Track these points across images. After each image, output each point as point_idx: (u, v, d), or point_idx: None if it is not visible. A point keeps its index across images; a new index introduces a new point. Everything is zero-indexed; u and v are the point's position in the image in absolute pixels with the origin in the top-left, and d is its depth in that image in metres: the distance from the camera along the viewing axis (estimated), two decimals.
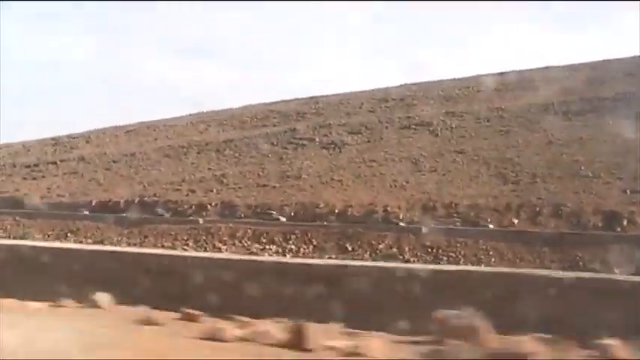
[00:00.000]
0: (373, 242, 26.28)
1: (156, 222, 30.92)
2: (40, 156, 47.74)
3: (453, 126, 38.20)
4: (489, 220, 27.17)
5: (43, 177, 42.13)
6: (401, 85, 49.33)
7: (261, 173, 35.02)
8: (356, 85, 73.20)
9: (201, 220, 29.94)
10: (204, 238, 28.41)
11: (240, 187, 33.59)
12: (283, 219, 29.31)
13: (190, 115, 51.96)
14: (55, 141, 51.12)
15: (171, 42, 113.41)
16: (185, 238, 28.71)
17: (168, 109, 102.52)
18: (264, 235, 27.68)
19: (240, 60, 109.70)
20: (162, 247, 28.41)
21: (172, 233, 29.33)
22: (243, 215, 30.55)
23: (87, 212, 33.53)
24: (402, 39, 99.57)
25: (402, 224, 27.79)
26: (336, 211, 29.48)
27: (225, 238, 27.94)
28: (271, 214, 29.71)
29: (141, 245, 28.93)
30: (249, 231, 28.13)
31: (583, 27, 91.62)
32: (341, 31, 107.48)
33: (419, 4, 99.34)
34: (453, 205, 28.55)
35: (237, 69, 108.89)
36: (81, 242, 30.63)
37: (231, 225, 28.96)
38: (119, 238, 30.09)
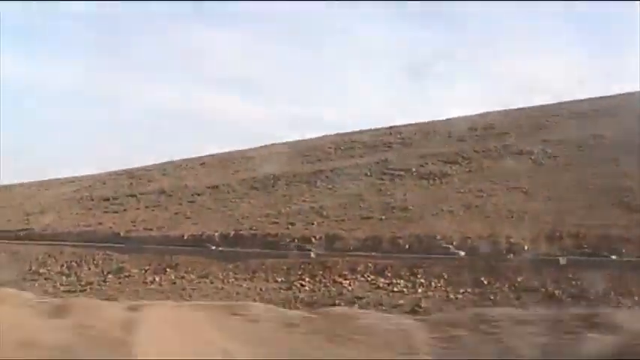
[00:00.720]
0: (509, 275, 24.39)
1: (261, 256, 29.26)
2: (117, 189, 46.65)
3: (555, 154, 36.24)
4: (624, 250, 25.17)
5: (125, 210, 40.90)
6: (484, 114, 47.67)
7: (362, 205, 33.24)
8: (428, 115, 70.85)
9: (312, 254, 28.19)
10: (320, 272, 26.67)
11: (342, 220, 31.86)
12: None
13: (265, 146, 50.68)
14: (129, 174, 50.04)
15: (216, 75, 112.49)
16: (299, 272, 27.02)
17: (229, 141, 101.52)
18: (388, 268, 25.86)
19: (286, 93, 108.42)
20: (276, 282, 26.83)
21: (284, 268, 27.63)
22: (352, 248, 28.77)
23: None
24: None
25: (526, 255, 25.94)
26: (454, 242, 27.64)
27: (345, 272, 26.17)
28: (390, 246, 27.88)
29: (251, 280, 27.36)
30: (369, 264, 26.33)
31: None
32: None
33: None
34: (581, 235, 26.61)
35: (284, 102, 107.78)
36: (183, 277, 29.25)
37: (347, 259, 27.18)
38: (225, 274, 28.49)
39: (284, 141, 52.02)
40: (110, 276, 31.15)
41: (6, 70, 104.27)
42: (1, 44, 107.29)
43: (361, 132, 49.94)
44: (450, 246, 27.23)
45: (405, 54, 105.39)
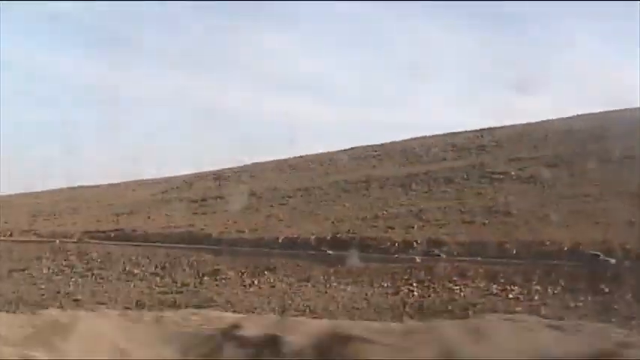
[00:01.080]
0: (631, 283, 23.04)
1: (363, 260, 28.43)
2: (205, 191, 46.52)
3: None
4: None
5: (214, 212, 40.62)
6: (579, 116, 46.19)
7: (462, 209, 32.23)
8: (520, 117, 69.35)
9: (418, 259, 27.28)
10: (428, 277, 25.73)
11: (443, 224, 30.92)
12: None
13: (352, 148, 50.07)
14: (216, 175, 49.99)
15: (283, 77, 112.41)
16: (406, 277, 26.12)
17: (308, 143, 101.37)
18: (499, 274, 24.77)
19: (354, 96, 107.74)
20: (381, 287, 26.00)
21: (389, 273, 26.76)
22: (456, 253, 27.76)
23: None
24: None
25: None
26: (565, 248, 26.34)
27: (455, 278, 25.17)
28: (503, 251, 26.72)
29: (355, 285, 26.58)
30: (480, 270, 25.27)
31: None
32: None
33: None
34: None
35: (358, 105, 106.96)
36: (282, 281, 28.63)
37: (456, 264, 26.19)
38: (326, 277, 27.77)
39: (369, 143, 51.40)
40: (206, 278, 30.69)
41: (91, 77, 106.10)
42: (81, 49, 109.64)
43: (453, 134, 49.02)
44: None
45: (487, 56, 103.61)
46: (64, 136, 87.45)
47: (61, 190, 61.19)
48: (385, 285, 25.85)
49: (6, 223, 48.58)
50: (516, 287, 23.76)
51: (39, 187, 63.56)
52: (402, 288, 25.16)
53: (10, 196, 61.73)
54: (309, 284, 27.55)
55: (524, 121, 48.54)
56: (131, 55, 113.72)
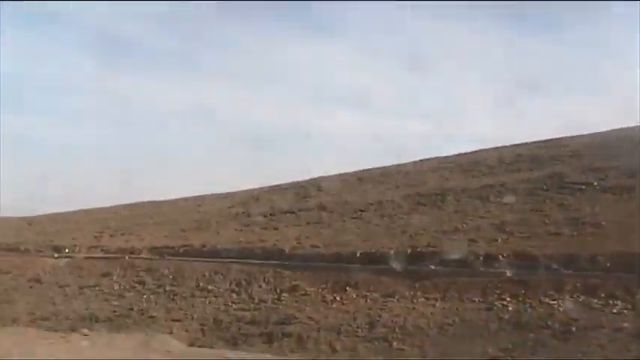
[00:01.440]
0: None
1: (449, 274, 27.58)
2: (272, 205, 46.06)
3: None
4: None
5: (285, 227, 40.02)
6: None
7: (546, 221, 31.21)
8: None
9: (508, 272, 26.34)
10: (522, 291, 24.78)
11: (528, 236, 29.92)
12: None
13: (419, 161, 49.29)
14: (282, 189, 49.55)
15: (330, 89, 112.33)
16: (498, 292, 25.19)
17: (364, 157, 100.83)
18: (599, 288, 23.72)
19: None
20: (472, 301, 25.09)
21: (478, 287, 25.85)
22: (547, 266, 26.70)
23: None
24: None
25: None
26: None
27: (550, 292, 24.18)
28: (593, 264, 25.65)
29: (444, 300, 25.72)
30: (577, 284, 24.26)
31: None
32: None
33: None
34: None
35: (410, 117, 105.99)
36: (366, 297, 27.88)
37: (550, 277, 25.20)
38: (411, 293, 26.94)
39: (435, 155, 50.64)
40: (285, 294, 30.07)
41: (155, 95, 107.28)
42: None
43: (526, 144, 48.04)
44: None
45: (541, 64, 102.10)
46: (121, 155, 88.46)
47: (125, 207, 61.47)
48: (476, 300, 24.99)
49: (73, 239, 48.80)
50: (619, 301, 22.71)
51: (101, 203, 64.03)
52: (495, 303, 24.25)
53: (74, 212, 62.28)
54: (395, 300, 26.80)
55: (592, 131, 47.40)
56: (192, 73, 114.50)
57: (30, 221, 62.86)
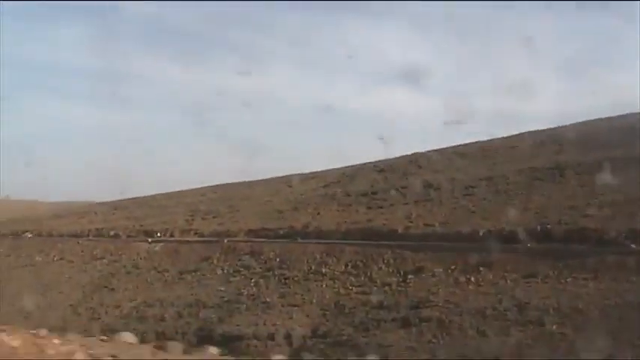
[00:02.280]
0: None
1: (594, 254, 25.71)
2: (373, 183, 44.63)
3: None
4: None
5: (391, 205, 38.49)
6: None
7: None
8: None
9: None
10: None
11: None
12: None
13: (520, 134, 47.32)
14: (380, 167, 48.07)
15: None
16: None
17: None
18: None
19: None
20: (629, 282, 23.25)
21: (631, 266, 23.92)
22: None
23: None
24: None
25: None
26: None
27: None
28: None
29: (596, 280, 23.93)
30: None
31: None
32: None
33: None
34: None
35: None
36: (504, 277, 26.24)
37: None
38: (555, 272, 25.20)
39: (535, 129, 48.54)
40: (410, 276, 28.57)
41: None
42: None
43: (624, 116, 45.64)
44: None
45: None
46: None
47: (211, 188, 60.81)
48: (634, 280, 23.10)
49: (164, 223, 48.11)
50: None
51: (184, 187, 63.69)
52: None
53: (159, 196, 61.85)
54: (539, 280, 25.09)
55: None
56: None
57: (116, 206, 62.66)
